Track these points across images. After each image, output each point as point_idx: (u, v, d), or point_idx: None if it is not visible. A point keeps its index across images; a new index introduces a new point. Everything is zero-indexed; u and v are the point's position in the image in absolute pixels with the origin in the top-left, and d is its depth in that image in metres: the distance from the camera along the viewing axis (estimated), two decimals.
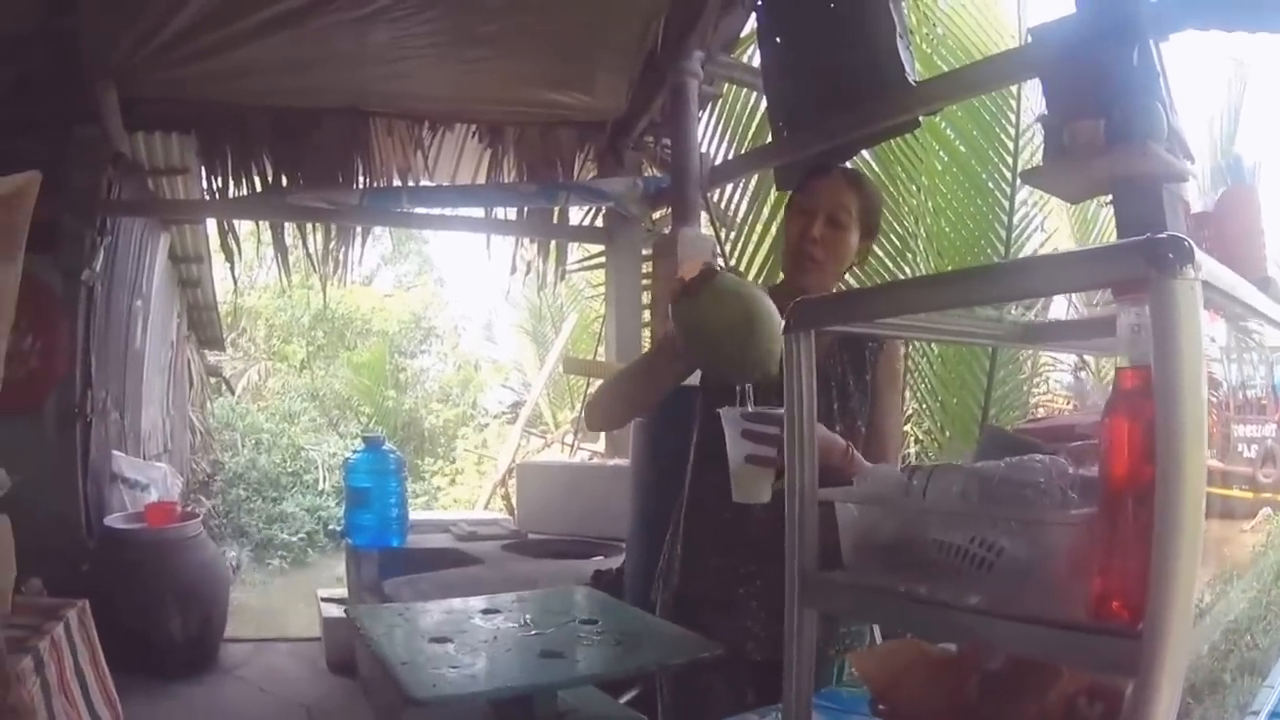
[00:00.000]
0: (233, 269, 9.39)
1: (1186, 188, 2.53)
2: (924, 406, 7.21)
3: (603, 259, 9.05)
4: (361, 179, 8.23)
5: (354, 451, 7.91)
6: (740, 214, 7.84)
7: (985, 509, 1.49)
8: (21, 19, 6.74)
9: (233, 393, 18.64)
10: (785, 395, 1.80)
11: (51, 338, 7.11)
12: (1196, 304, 1.20)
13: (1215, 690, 1.64)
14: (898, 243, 6.97)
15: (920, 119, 4.92)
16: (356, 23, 6.74)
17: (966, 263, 6.51)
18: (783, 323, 2.01)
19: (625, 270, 8.55)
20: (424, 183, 8.48)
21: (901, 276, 6.69)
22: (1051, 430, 2.09)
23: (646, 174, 8.30)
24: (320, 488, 16.04)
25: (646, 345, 7.98)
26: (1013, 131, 6.59)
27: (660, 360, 2.95)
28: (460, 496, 16.42)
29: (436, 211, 8.67)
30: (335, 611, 7.69)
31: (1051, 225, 7.62)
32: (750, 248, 7.61)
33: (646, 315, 8.34)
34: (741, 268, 7.44)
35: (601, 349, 9.35)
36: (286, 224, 8.78)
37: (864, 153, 6.33)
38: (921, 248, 6.85)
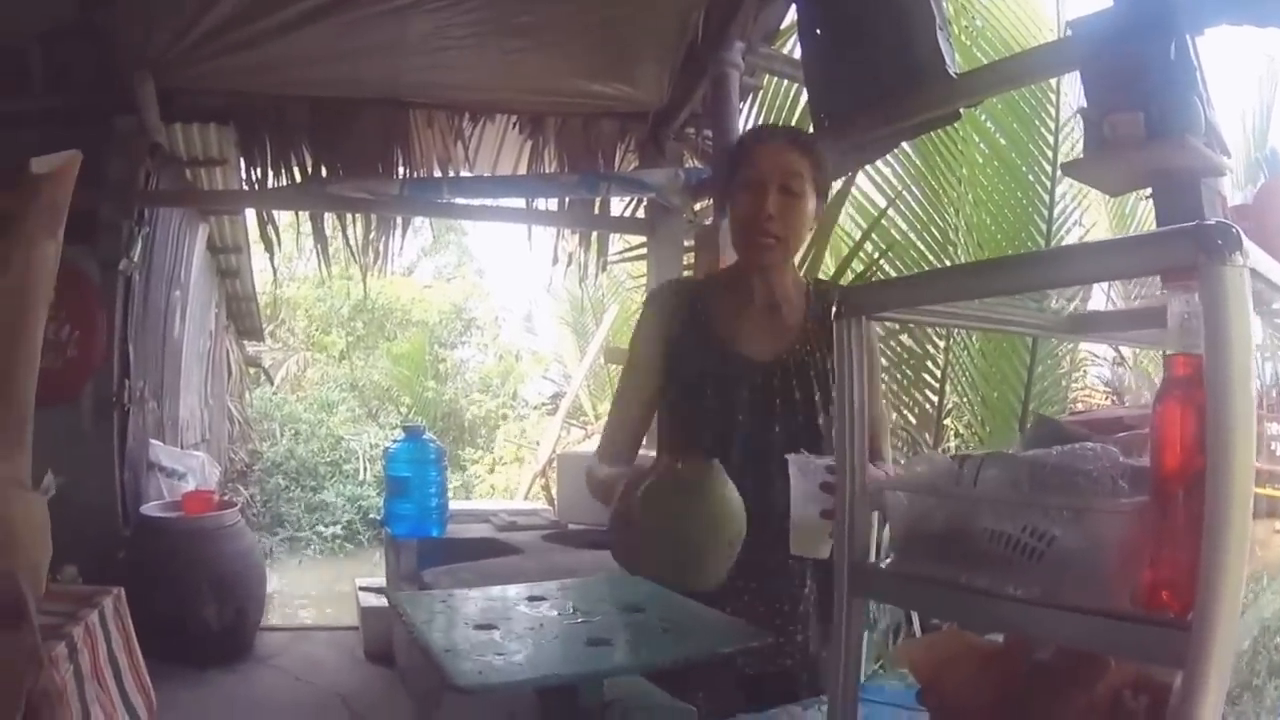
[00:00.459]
0: (272, 259, 9.43)
1: (1223, 182, 2.50)
2: (964, 400, 7.17)
3: (644, 250, 9.02)
4: (401, 169, 8.25)
5: (394, 441, 7.93)
6: None
7: (1037, 497, 1.48)
8: (59, 13, 6.82)
9: (271, 383, 18.73)
10: (836, 383, 1.77)
11: (89, 327, 7.15)
12: (1245, 290, 1.19)
13: (1246, 693, 1.60)
14: (938, 235, 6.94)
15: (961, 111, 4.88)
16: (395, 13, 6.75)
17: (1007, 255, 6.48)
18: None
19: (666, 261, 8.50)
20: (464, 173, 8.46)
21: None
22: (1096, 423, 2.05)
23: (688, 165, 8.24)
24: (360, 478, 16.10)
25: None
26: (1052, 125, 6.57)
27: (614, 506, 2.60)
28: (500, 485, 16.45)
29: (477, 202, 8.63)
30: (373, 600, 7.70)
31: (1089, 220, 7.56)
32: None
33: None
34: None
35: None
36: (326, 214, 8.78)
37: (904, 145, 6.29)
38: (962, 239, 6.82)
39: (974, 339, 6.90)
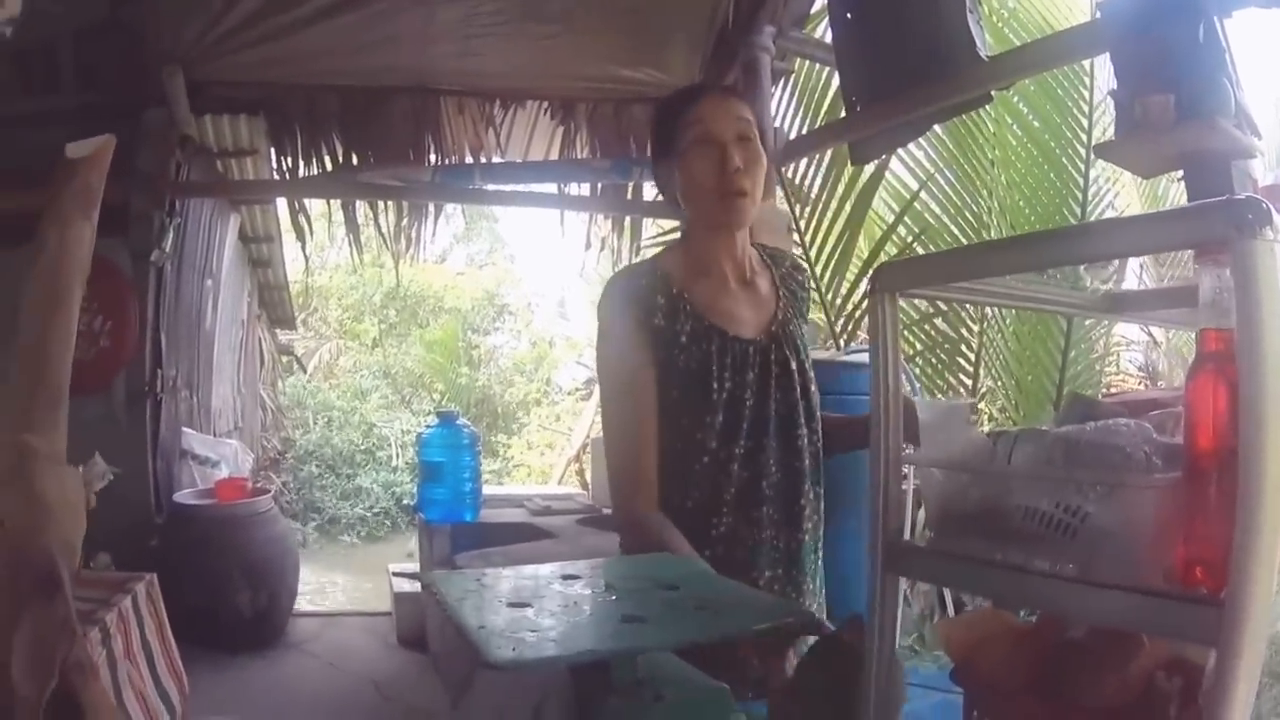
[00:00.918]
0: (304, 248, 9.44)
1: (1254, 164, 2.49)
2: (999, 384, 7.17)
3: (678, 235, 8.97)
4: (432, 157, 8.26)
5: (428, 426, 7.94)
6: (815, 190, 7.77)
7: (1070, 473, 1.48)
8: (89, 11, 6.93)
9: (304, 371, 18.80)
10: (870, 359, 1.75)
11: (121, 318, 7.20)
12: (1276, 265, 1.19)
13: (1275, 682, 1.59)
14: (972, 219, 6.94)
15: (992, 94, 4.86)
16: (423, 1, 6.77)
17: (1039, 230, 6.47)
18: None
19: None
20: (496, 160, 8.46)
21: None
22: (1130, 404, 2.04)
23: None
24: (394, 464, 16.15)
25: None
26: (1086, 107, 6.55)
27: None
28: (535, 469, 16.50)
29: (509, 188, 8.64)
30: (406, 586, 7.73)
31: (1123, 202, 7.55)
32: (825, 223, 7.54)
33: None
34: (817, 243, 7.42)
35: None
36: (357, 202, 8.81)
37: (937, 128, 6.28)
38: (996, 222, 6.82)
39: (1008, 323, 6.91)
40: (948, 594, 5.25)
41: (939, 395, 7.03)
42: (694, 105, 2.85)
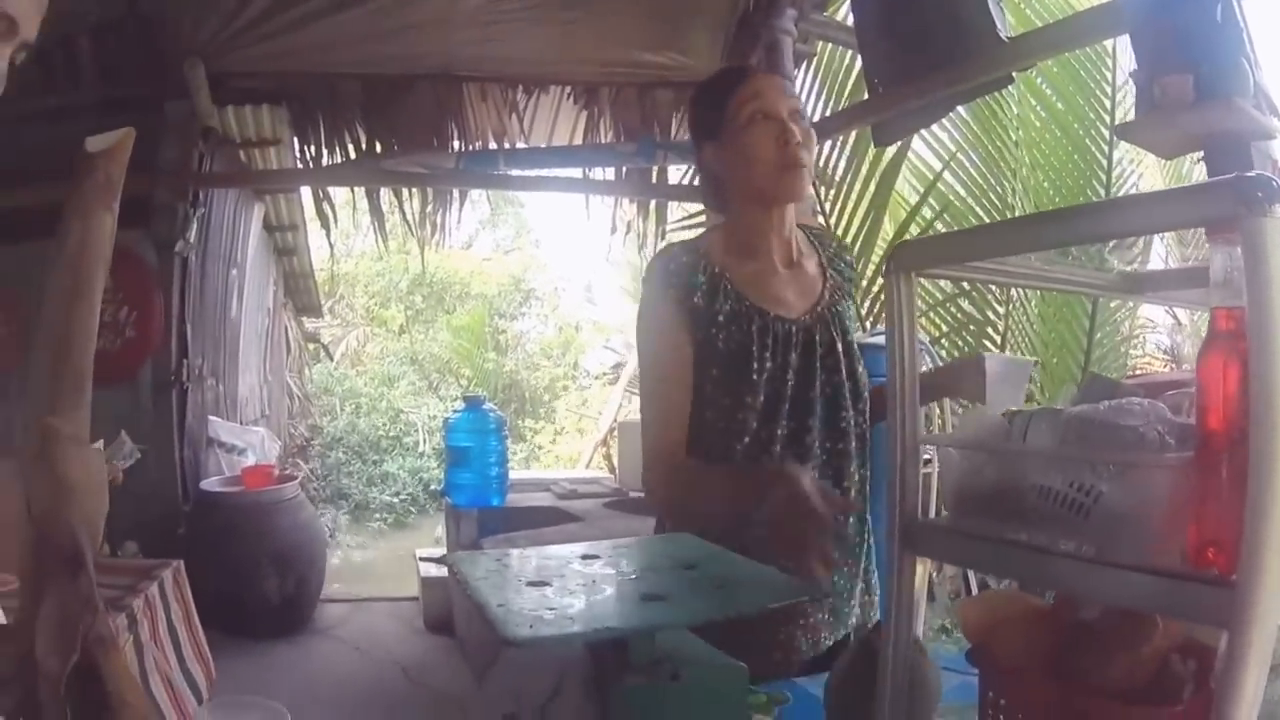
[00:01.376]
0: (329, 236, 9.48)
1: (1274, 145, 2.48)
2: None
3: (703, 218, 9.01)
4: (456, 143, 8.28)
5: (454, 411, 7.98)
6: (839, 172, 7.77)
7: (1082, 451, 1.48)
8: (108, 6, 7.02)
9: (331, 358, 18.84)
10: (886, 339, 1.74)
11: (146, 309, 7.28)
12: None
13: None
14: (997, 200, 6.93)
15: (1013, 75, 4.86)
16: None
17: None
18: None
19: None
20: (520, 145, 8.47)
21: None
22: (1151, 386, 2.04)
23: None
24: (421, 450, 16.19)
25: None
26: (1109, 89, 6.53)
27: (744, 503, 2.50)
28: (562, 454, 16.53)
29: (533, 173, 8.65)
30: (433, 571, 7.76)
31: (1146, 183, 7.52)
32: (850, 205, 7.53)
33: None
34: (841, 225, 7.43)
35: None
36: (382, 190, 8.83)
37: (961, 109, 6.28)
38: (1019, 203, 6.80)
39: (1033, 304, 6.90)
40: (973, 576, 5.27)
41: None
42: (747, 83, 2.87)
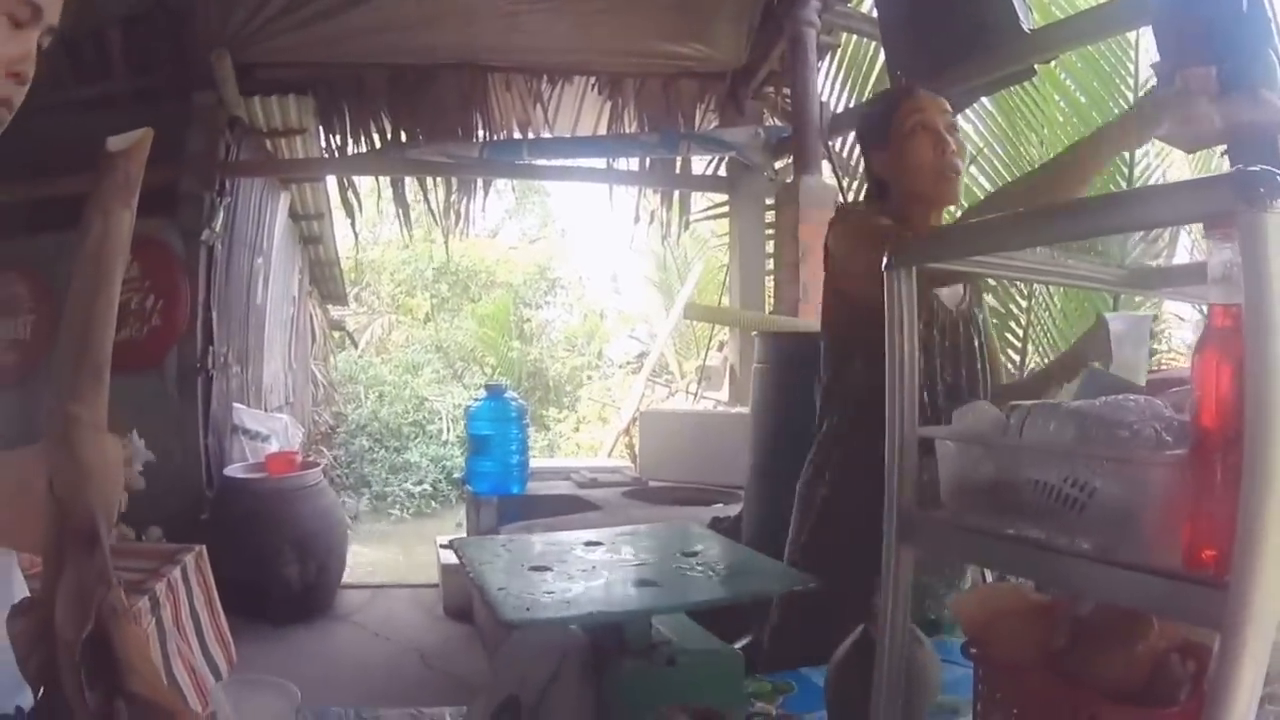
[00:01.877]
0: (353, 224, 9.52)
1: None
2: (1046, 361, 7.14)
3: (726, 208, 9.06)
4: (481, 133, 8.31)
5: (475, 400, 8.00)
6: (862, 164, 7.79)
7: (1076, 447, 1.47)
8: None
9: (356, 346, 18.86)
10: (887, 331, 1.76)
11: (172, 297, 7.34)
12: None
13: None
14: None
15: (1036, 67, 4.86)
16: None
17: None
18: None
19: (748, 219, 8.59)
20: (544, 135, 8.49)
21: None
22: (1168, 382, 2.04)
23: (768, 123, 8.26)
24: (444, 438, 16.21)
25: (770, 294, 7.97)
26: (1132, 82, 6.50)
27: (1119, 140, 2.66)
28: (585, 444, 16.54)
29: (557, 163, 8.68)
30: (454, 558, 7.76)
31: (1174, 178, 7.48)
32: None
33: (770, 264, 8.29)
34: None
35: (726, 298, 9.35)
36: (407, 179, 8.87)
37: (985, 103, 6.27)
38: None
39: (1056, 300, 6.89)
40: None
41: None
42: (912, 98, 3.16)
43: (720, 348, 11.10)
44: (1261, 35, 2.41)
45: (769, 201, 8.20)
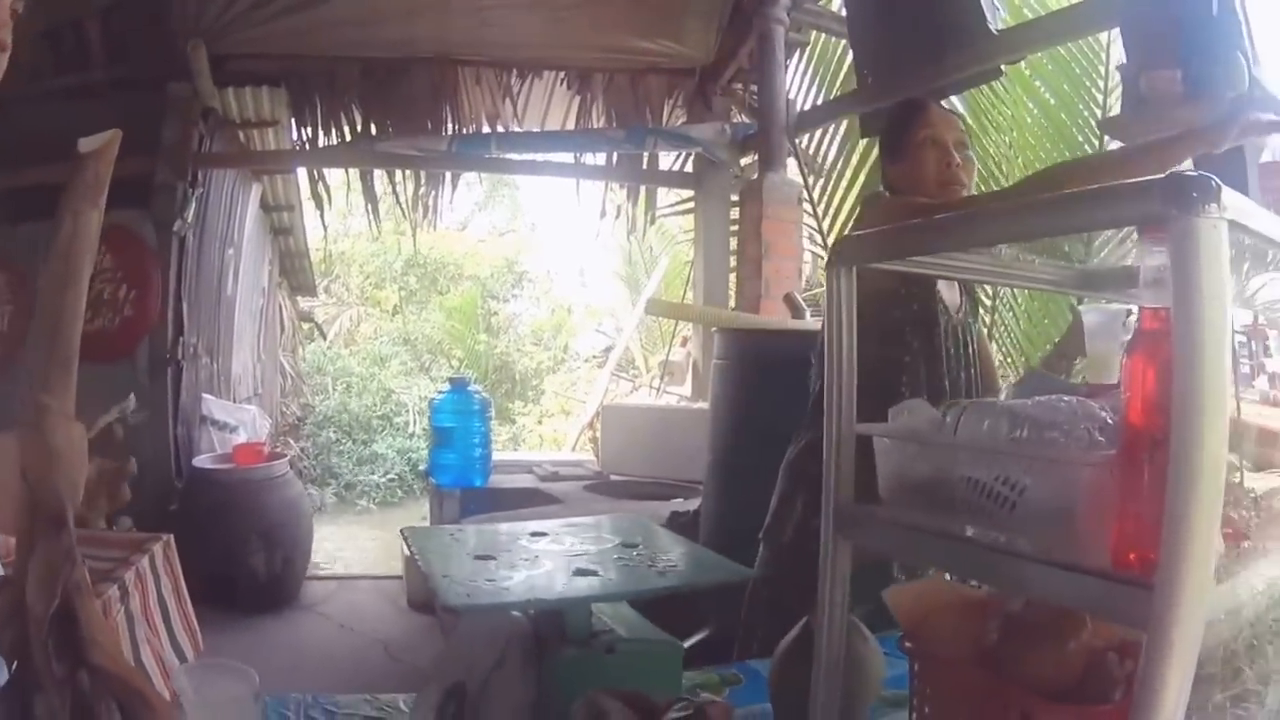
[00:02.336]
0: (323, 216, 9.54)
1: (1273, 140, 2.46)
2: (1009, 361, 7.18)
3: (692, 204, 9.10)
4: (450, 126, 8.33)
5: (439, 392, 8.04)
6: (828, 161, 7.83)
7: (1006, 446, 1.49)
8: None
9: (324, 337, 18.80)
10: (825, 329, 1.80)
11: (144, 287, 7.36)
12: (1220, 243, 1.17)
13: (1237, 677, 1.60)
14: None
15: (1003, 68, 4.92)
16: None
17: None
18: None
19: (714, 215, 8.64)
20: (513, 129, 8.52)
21: None
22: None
23: (735, 120, 8.30)
24: (410, 430, 16.20)
25: (733, 290, 8.01)
26: (1102, 85, 6.54)
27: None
28: (549, 436, 16.54)
29: (525, 157, 8.73)
30: None
31: None
32: (839, 194, 7.60)
33: (733, 260, 8.34)
34: (831, 213, 7.51)
35: (691, 294, 9.40)
36: (376, 171, 8.89)
37: (957, 104, 6.33)
38: None
39: (1019, 301, 6.94)
40: None
41: None
42: (926, 110, 3.38)
43: (684, 343, 11.14)
44: (1231, 38, 2.44)
45: (734, 198, 8.26)
